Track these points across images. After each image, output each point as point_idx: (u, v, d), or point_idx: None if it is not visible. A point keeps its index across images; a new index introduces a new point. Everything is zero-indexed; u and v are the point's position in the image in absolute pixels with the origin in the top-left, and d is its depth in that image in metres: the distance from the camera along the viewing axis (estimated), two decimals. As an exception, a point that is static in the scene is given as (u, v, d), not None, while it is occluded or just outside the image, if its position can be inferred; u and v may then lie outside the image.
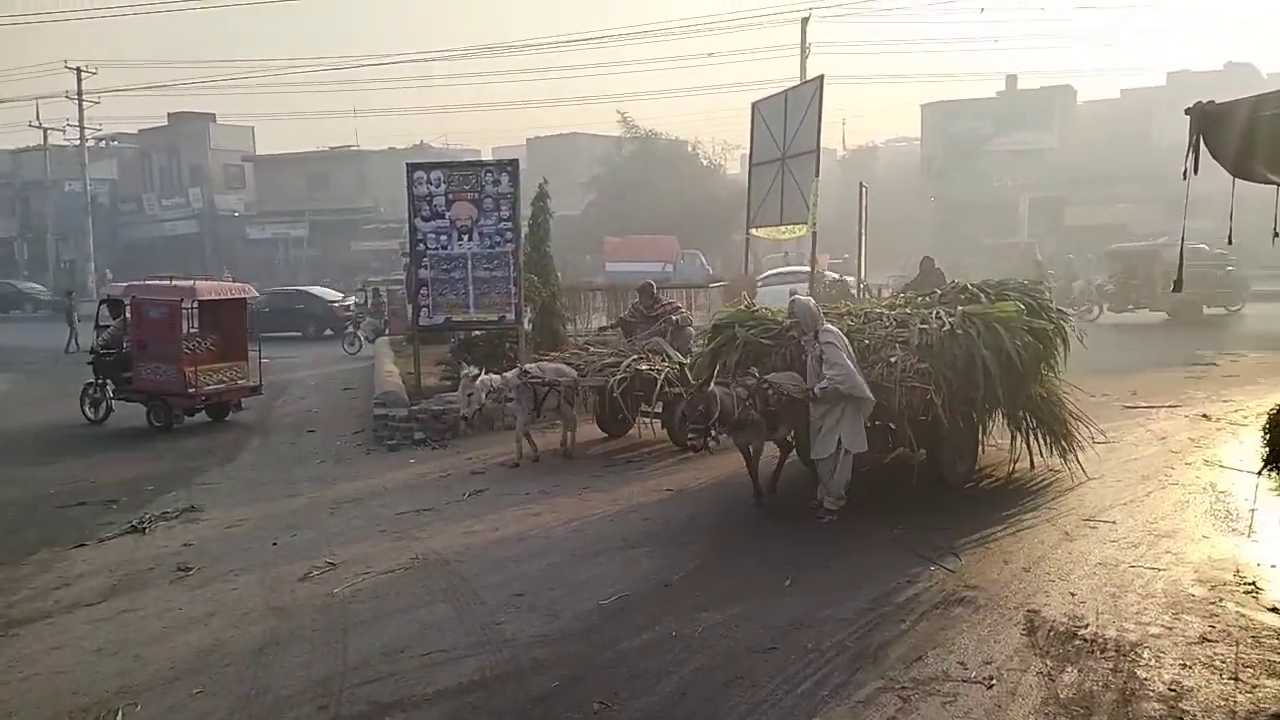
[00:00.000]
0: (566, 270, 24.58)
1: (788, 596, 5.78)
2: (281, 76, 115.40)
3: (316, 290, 28.42)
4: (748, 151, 18.23)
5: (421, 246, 13.60)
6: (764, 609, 5.59)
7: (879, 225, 21.02)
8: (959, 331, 7.59)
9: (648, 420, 10.74)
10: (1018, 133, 42.95)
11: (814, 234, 14.91)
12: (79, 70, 43.72)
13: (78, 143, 45.44)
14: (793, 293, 11.40)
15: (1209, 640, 4.94)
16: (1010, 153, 42.60)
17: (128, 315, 13.26)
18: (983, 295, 8.62)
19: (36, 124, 45.79)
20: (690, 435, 7.25)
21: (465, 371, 9.92)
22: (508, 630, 5.46)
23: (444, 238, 13.55)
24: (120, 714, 4.61)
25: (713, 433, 7.18)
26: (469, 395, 9.61)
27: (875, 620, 5.35)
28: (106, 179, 55.65)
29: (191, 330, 13.21)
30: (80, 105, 44.27)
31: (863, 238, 16.94)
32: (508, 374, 10.09)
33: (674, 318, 11.42)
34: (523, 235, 14.51)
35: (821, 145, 14.68)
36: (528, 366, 10.28)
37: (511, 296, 13.65)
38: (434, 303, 13.68)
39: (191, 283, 13.59)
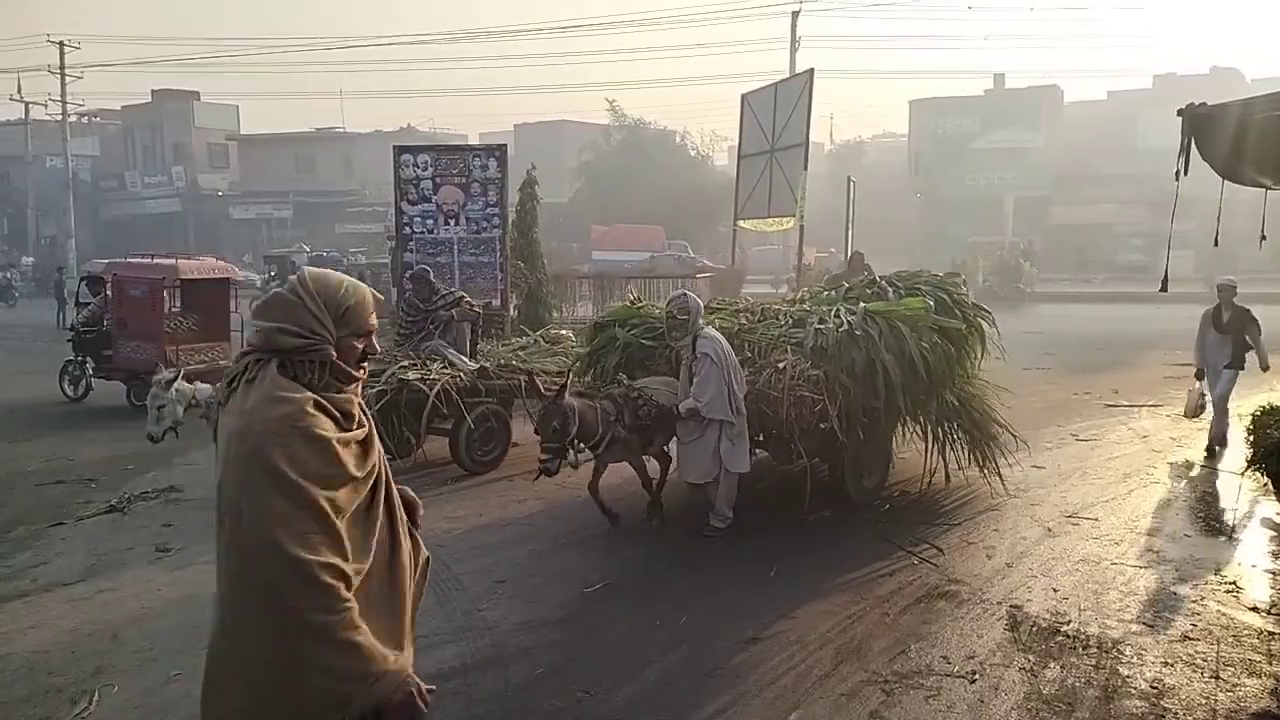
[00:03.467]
0: (552, 258, 24.53)
1: (771, 588, 5.78)
2: (268, 56, 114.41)
3: None
4: (736, 143, 18.22)
5: (408, 230, 13.53)
6: (747, 600, 5.58)
7: (865, 221, 21.06)
8: (858, 332, 6.86)
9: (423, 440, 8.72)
10: (1004, 131, 43.14)
11: (801, 227, 14.92)
12: (62, 44, 43.16)
13: (59, 118, 44.86)
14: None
15: (1191, 638, 4.98)
16: (997, 151, 42.79)
17: (108, 293, 13.12)
18: (891, 290, 7.86)
19: (18, 98, 45.10)
20: (543, 457, 6.09)
21: (158, 378, 7.68)
22: (490, 617, 5.42)
23: (430, 222, 13.49)
24: (96, 696, 4.55)
25: (570, 453, 6.31)
26: (159, 409, 7.52)
27: (858, 613, 5.35)
28: (88, 155, 55.09)
29: (173, 309, 13.07)
30: (63, 80, 43.74)
31: (850, 232, 16.96)
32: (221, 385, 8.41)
33: (452, 312, 9.36)
34: (510, 221, 14.46)
35: (810, 139, 14.70)
36: None
37: (498, 282, 13.62)
38: (419, 287, 13.60)
39: (174, 261, 13.44)
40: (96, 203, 54.54)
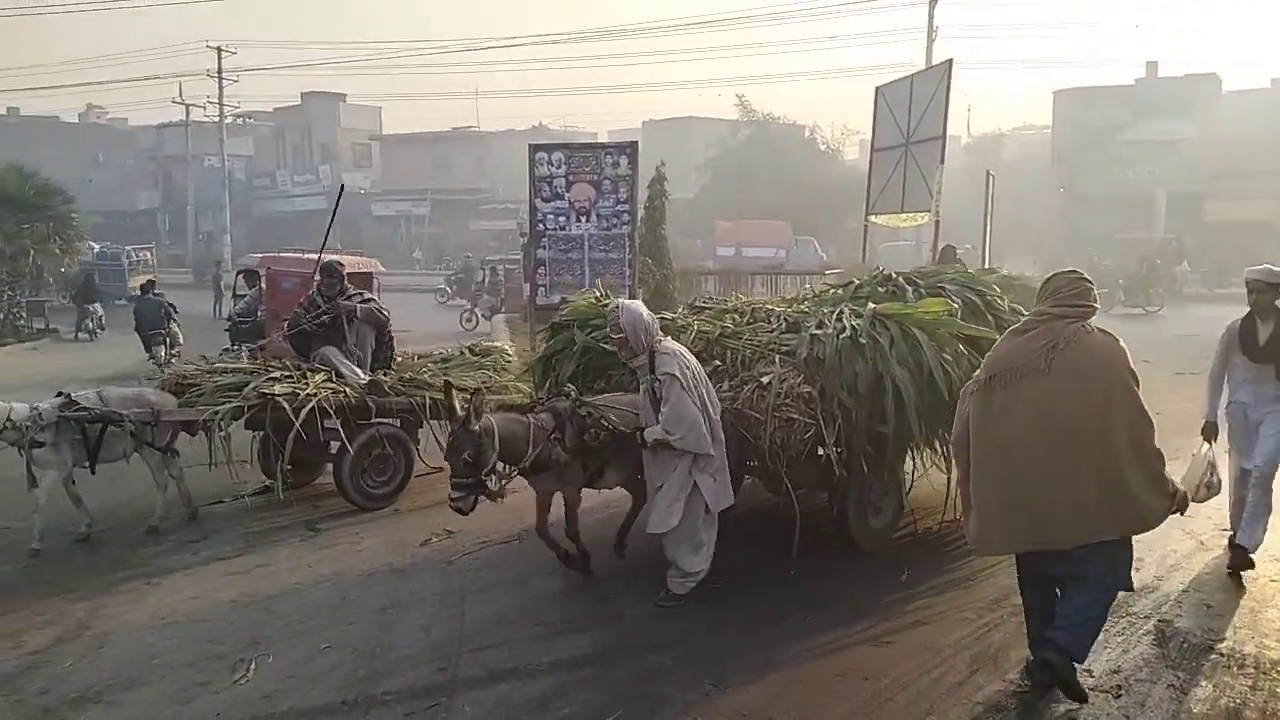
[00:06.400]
0: (677, 254, 24.63)
1: (903, 593, 5.68)
2: (410, 58, 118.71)
3: None
4: (867, 136, 17.87)
5: (541, 226, 13.82)
6: (878, 604, 5.50)
7: (1004, 216, 20.35)
8: (863, 340, 5.71)
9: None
10: (1156, 122, 40.83)
11: (936, 222, 14.52)
12: (219, 50, 45.58)
13: (217, 119, 47.49)
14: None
15: (1360, 663, 4.65)
16: (1148, 143, 40.53)
17: (263, 285, 13.87)
18: (910, 289, 6.64)
19: (179, 100, 47.97)
20: (453, 495, 5.08)
21: None
22: (619, 607, 5.52)
23: (562, 218, 13.74)
24: (253, 664, 4.84)
25: (490, 484, 5.21)
26: None
27: (995, 621, 5.21)
28: (243, 155, 58.17)
29: (321, 301, 13.70)
30: (220, 83, 46.16)
31: (988, 227, 16.42)
32: (42, 405, 6.72)
33: (323, 318, 7.92)
34: (639, 218, 14.61)
35: (947, 132, 14.28)
36: (82, 393, 6.94)
37: (626, 278, 13.76)
38: (550, 282, 13.91)
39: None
40: (250, 200, 57.60)
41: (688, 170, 41.77)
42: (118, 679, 4.74)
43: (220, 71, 45.84)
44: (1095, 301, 4.23)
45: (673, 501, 5.33)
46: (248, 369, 7.70)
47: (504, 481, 5.36)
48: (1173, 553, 6.27)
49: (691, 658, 4.84)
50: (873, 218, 16.85)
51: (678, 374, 5.15)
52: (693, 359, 5.43)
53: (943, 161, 13.96)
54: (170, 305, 15.97)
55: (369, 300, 8.31)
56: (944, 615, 5.30)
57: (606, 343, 5.98)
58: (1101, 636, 4.93)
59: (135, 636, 5.25)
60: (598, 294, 7.34)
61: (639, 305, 5.53)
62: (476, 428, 5.03)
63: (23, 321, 21.28)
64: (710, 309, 6.94)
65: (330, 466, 7.82)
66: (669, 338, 5.57)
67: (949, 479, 6.30)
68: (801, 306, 6.68)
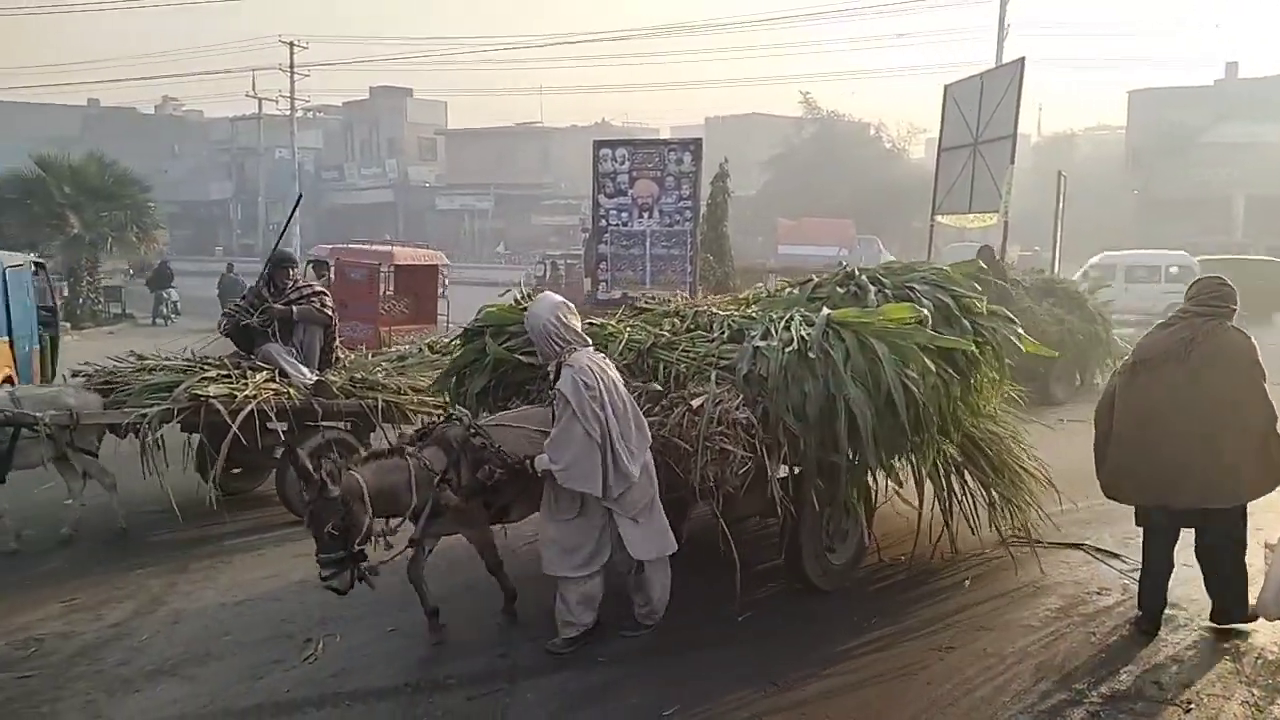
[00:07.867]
0: (740, 251, 24.54)
1: (967, 599, 5.60)
2: (475, 53, 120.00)
3: None
4: (934, 135, 17.65)
5: (603, 222, 13.87)
6: (940, 609, 5.44)
7: (1076, 219, 19.93)
8: (813, 354, 4.91)
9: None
10: (1236, 124, 39.58)
11: (1005, 223, 14.28)
12: (291, 44, 46.48)
13: (288, 113, 48.46)
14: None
15: None
16: (1227, 145, 39.30)
17: (331, 275, 14.17)
18: (873, 289, 5.73)
19: (252, 94, 49.04)
20: (324, 574, 4.32)
21: None
22: (680, 605, 5.49)
23: (625, 214, 13.77)
24: (322, 644, 4.96)
25: (368, 558, 4.42)
26: None
27: (1061, 630, 5.13)
28: (312, 148, 59.29)
29: (387, 292, 13.97)
30: (291, 77, 47.09)
31: (1059, 230, 16.11)
32: None
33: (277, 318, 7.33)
34: (701, 215, 14.61)
35: (1018, 131, 14.05)
36: None
37: (687, 275, 13.75)
38: (611, 277, 13.96)
39: (389, 248, 14.40)
40: (319, 192, 58.67)
41: (749, 167, 41.54)
42: (192, 653, 4.89)
43: (292, 66, 46.72)
44: (1234, 303, 4.83)
45: (589, 543, 4.67)
46: (181, 367, 7.04)
47: (388, 540, 4.56)
48: (1249, 565, 6.09)
49: (751, 656, 4.83)
50: (939, 218, 16.63)
51: (569, 395, 4.39)
52: (609, 375, 4.59)
53: (1013, 161, 13.74)
54: (246, 285, 19.54)
55: (314, 296, 7.66)
56: (1008, 623, 5.23)
57: (524, 353, 5.33)
58: (1174, 650, 4.90)
59: (209, 613, 5.42)
60: (518, 297, 6.43)
61: (548, 308, 4.65)
62: (337, 493, 4.21)
63: (100, 306, 21.99)
64: (651, 311, 6.10)
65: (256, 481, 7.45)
66: (588, 348, 4.71)
67: (920, 510, 5.87)
68: (750, 310, 5.85)
